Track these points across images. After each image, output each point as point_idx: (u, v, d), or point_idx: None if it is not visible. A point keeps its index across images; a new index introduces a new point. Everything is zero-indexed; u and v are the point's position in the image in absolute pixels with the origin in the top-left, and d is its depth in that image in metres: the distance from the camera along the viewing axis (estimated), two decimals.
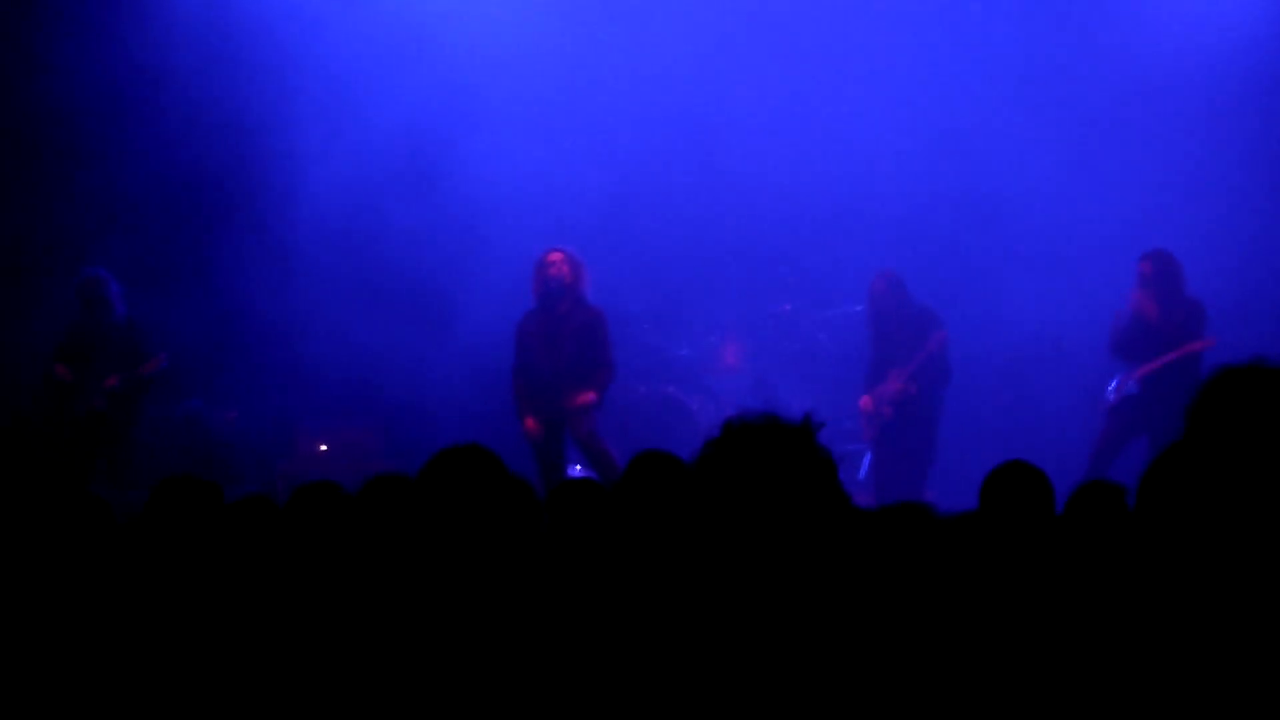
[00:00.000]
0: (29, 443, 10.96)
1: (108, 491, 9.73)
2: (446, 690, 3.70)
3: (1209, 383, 3.52)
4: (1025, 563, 4.10)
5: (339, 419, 12.97)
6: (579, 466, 11.28)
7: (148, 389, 11.62)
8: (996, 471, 5.58)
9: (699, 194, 13.32)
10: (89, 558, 5.12)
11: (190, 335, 12.23)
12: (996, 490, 5.48)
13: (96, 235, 12.63)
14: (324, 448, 12.80)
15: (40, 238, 12.90)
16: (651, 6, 13.18)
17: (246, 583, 4.74)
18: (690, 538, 3.13)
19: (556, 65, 12.99)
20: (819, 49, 13.09)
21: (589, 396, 10.69)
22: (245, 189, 13.18)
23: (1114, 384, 11.09)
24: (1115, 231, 12.25)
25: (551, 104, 13.08)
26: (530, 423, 10.83)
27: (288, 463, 12.55)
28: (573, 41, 13.01)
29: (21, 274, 12.75)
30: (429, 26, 13.03)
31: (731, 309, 13.59)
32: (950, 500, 7.83)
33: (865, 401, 11.62)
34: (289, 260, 13.05)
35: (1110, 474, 10.74)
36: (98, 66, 12.77)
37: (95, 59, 12.78)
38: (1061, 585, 3.86)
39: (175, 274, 12.88)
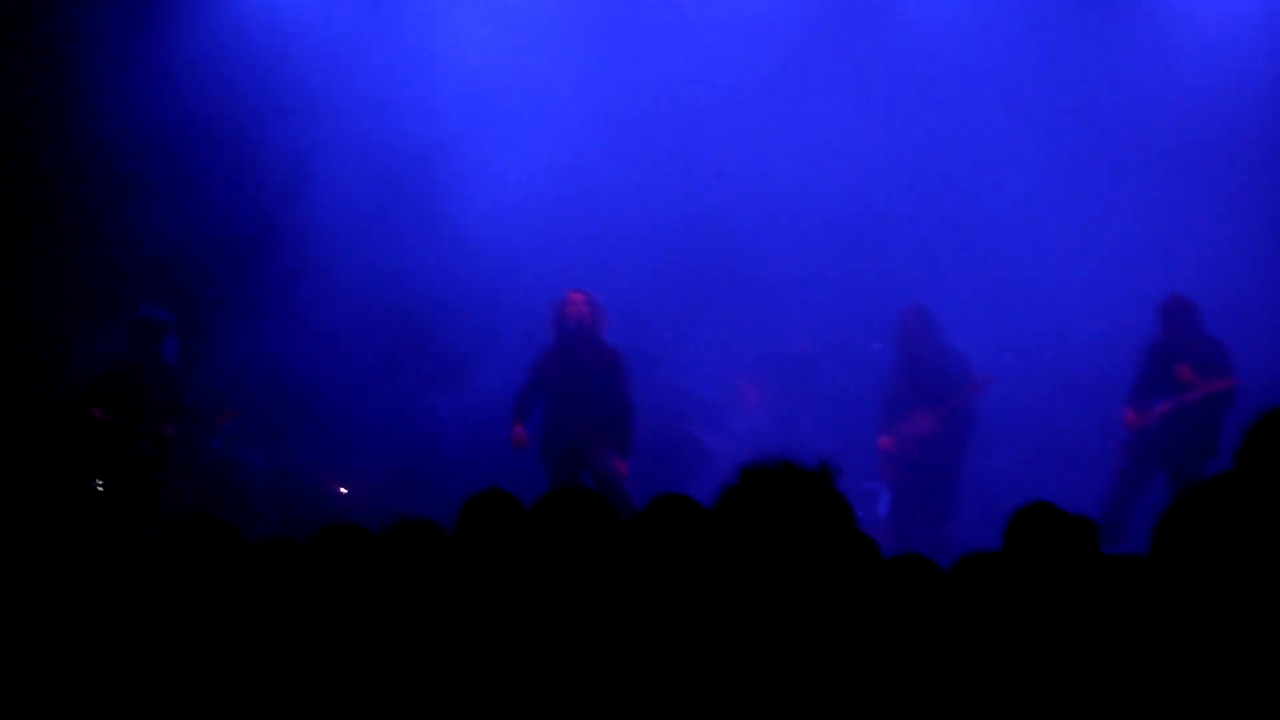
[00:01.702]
0: (61, 477, 10.99)
1: (139, 532, 9.74)
2: None
3: (1259, 423, 3.50)
4: (1051, 605, 4.09)
5: (360, 461, 12.98)
6: None
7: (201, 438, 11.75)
8: (1021, 512, 5.55)
9: (720, 234, 13.34)
10: (108, 595, 5.13)
11: (219, 375, 12.31)
12: (1021, 531, 5.45)
13: (145, 273, 12.73)
14: (344, 490, 12.81)
15: (89, 274, 12.97)
16: (676, 54, 13.24)
17: (265, 625, 4.74)
18: (708, 583, 3.13)
19: (577, 100, 13.06)
20: (841, 93, 13.13)
21: (622, 467, 10.81)
22: (285, 233, 13.24)
23: (1152, 413, 11.00)
24: (1126, 262, 12.26)
25: (580, 140, 13.12)
26: (518, 431, 10.83)
27: (309, 504, 12.55)
28: (591, 76, 13.08)
29: (70, 310, 12.81)
30: (456, 60, 13.11)
31: (753, 349, 13.59)
32: (970, 539, 7.83)
33: (886, 442, 11.55)
34: (319, 303, 13.09)
35: (1130, 512, 10.76)
36: (151, 108, 12.90)
37: (148, 100, 12.90)
38: (1084, 626, 3.85)
39: (214, 313, 12.94)
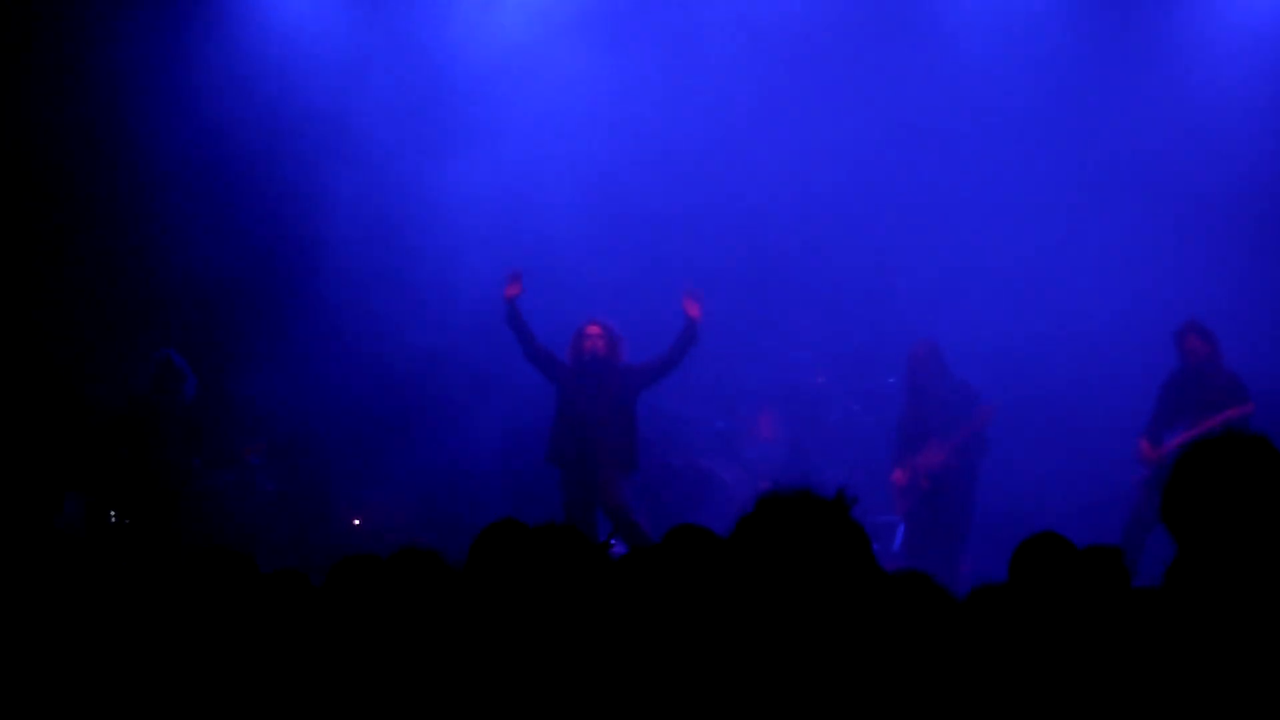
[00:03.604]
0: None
1: (161, 564, 9.86)
2: None
3: (1178, 461, 3.54)
4: (1054, 636, 4.08)
5: (374, 491, 13.00)
6: (614, 543, 11.31)
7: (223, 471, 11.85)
8: (1026, 544, 5.55)
9: (734, 264, 13.34)
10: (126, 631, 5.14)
11: (240, 406, 12.37)
12: (1026, 563, 5.45)
13: (169, 296, 12.81)
14: (358, 522, 12.82)
15: (112, 305, 13.05)
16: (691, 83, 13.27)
17: (272, 656, 4.75)
18: (726, 613, 3.13)
19: (592, 132, 13.10)
20: (867, 129, 13.14)
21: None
22: (306, 258, 13.30)
23: (1169, 444, 10.99)
24: (1149, 289, 12.26)
25: (596, 158, 13.16)
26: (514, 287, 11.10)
27: (323, 535, 12.57)
28: (608, 88, 13.14)
29: (94, 340, 12.87)
30: (472, 66, 13.18)
31: (766, 381, 13.58)
32: (984, 571, 7.81)
33: (898, 476, 11.55)
34: (339, 329, 13.14)
35: (1144, 542, 10.72)
36: (178, 137, 12.98)
37: (175, 132, 12.99)
38: (1086, 660, 3.85)
39: (235, 341, 13.00)
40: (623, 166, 13.01)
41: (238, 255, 13.07)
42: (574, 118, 13.19)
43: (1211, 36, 13.02)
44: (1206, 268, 12.22)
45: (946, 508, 11.37)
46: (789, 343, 13.58)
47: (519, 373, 12.44)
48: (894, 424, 11.83)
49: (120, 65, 12.89)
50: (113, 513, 11.29)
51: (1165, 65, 13.03)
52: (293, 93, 13.05)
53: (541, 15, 13.26)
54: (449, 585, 4.66)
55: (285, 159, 13.13)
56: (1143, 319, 11.85)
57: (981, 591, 4.12)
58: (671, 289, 12.49)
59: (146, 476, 11.35)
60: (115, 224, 13.13)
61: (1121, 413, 11.58)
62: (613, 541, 11.28)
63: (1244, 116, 12.72)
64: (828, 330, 13.55)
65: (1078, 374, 12.57)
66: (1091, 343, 12.61)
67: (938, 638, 3.71)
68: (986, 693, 3.64)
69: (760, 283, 13.39)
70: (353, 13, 13.46)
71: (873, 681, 3.09)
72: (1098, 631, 3.90)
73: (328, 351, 13.10)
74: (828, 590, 3.11)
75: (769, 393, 13.60)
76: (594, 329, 11.11)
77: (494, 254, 12.86)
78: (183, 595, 5.28)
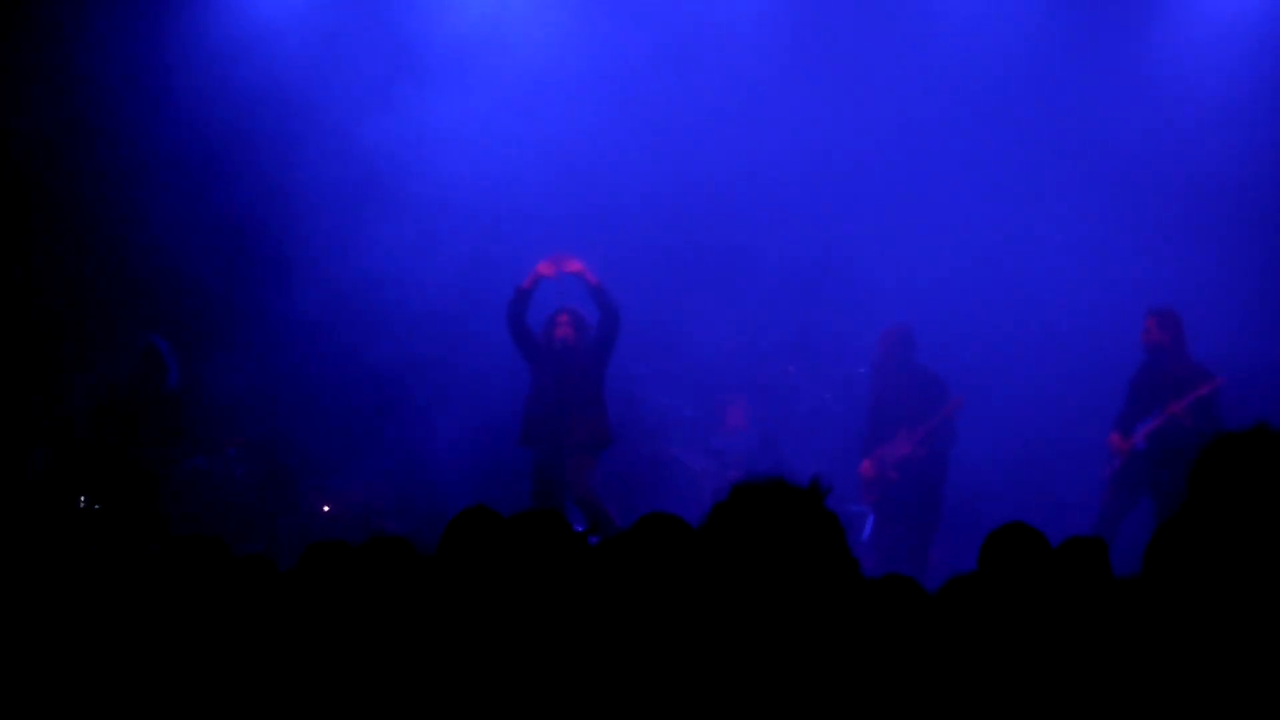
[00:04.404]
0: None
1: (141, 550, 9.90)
2: None
3: (1209, 449, 3.53)
4: (1023, 626, 4.09)
5: (343, 478, 12.97)
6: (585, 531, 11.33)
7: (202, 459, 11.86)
8: (995, 534, 5.56)
9: (703, 251, 13.34)
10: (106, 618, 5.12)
11: (219, 394, 12.36)
12: (995, 553, 5.46)
13: (147, 285, 12.80)
14: (328, 508, 12.78)
15: (92, 296, 12.99)
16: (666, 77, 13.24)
17: (244, 640, 4.74)
18: (698, 602, 3.12)
19: (575, 129, 13.09)
20: (837, 119, 13.13)
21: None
22: (280, 244, 13.25)
23: (1139, 432, 11.02)
24: (1120, 279, 12.30)
25: (570, 163, 13.13)
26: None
27: (291, 521, 12.53)
28: (588, 107, 13.11)
29: (73, 331, 12.82)
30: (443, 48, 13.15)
31: (736, 370, 13.58)
32: (957, 560, 7.83)
33: (867, 466, 11.56)
34: (312, 315, 13.09)
35: (1117, 533, 10.76)
36: (153, 129, 12.93)
37: (151, 121, 12.93)
38: (1057, 650, 3.86)
39: (212, 328, 12.97)
40: (594, 150, 12.98)
41: (211, 243, 13.01)
42: (545, 96, 13.15)
43: (1184, 27, 13.05)
44: (1179, 256, 12.26)
45: (915, 498, 11.39)
46: (759, 331, 13.57)
47: (488, 362, 12.44)
48: (864, 413, 11.85)
49: (91, 56, 12.81)
50: (83, 498, 11.24)
51: (1137, 55, 13.06)
52: (267, 81, 12.97)
53: None
54: (419, 572, 4.65)
55: (259, 147, 13.06)
56: (1116, 308, 11.87)
57: (954, 583, 4.13)
58: (640, 277, 12.52)
59: (126, 462, 11.30)
60: (90, 214, 13.05)
61: (1093, 402, 11.62)
62: (579, 528, 11.34)
63: (1216, 106, 12.76)
64: (799, 318, 13.55)
65: (1050, 363, 12.59)
66: (1063, 332, 12.64)
67: (911, 628, 3.72)
68: (960, 682, 3.64)
69: (730, 270, 13.36)
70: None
71: (847, 672, 3.08)
72: (1075, 622, 3.90)
73: (301, 339, 13.05)
74: (802, 580, 3.10)
75: (739, 381, 13.60)
76: (564, 317, 11.20)
77: (467, 238, 12.86)
78: (156, 580, 5.27)
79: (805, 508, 3.14)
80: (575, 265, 11.09)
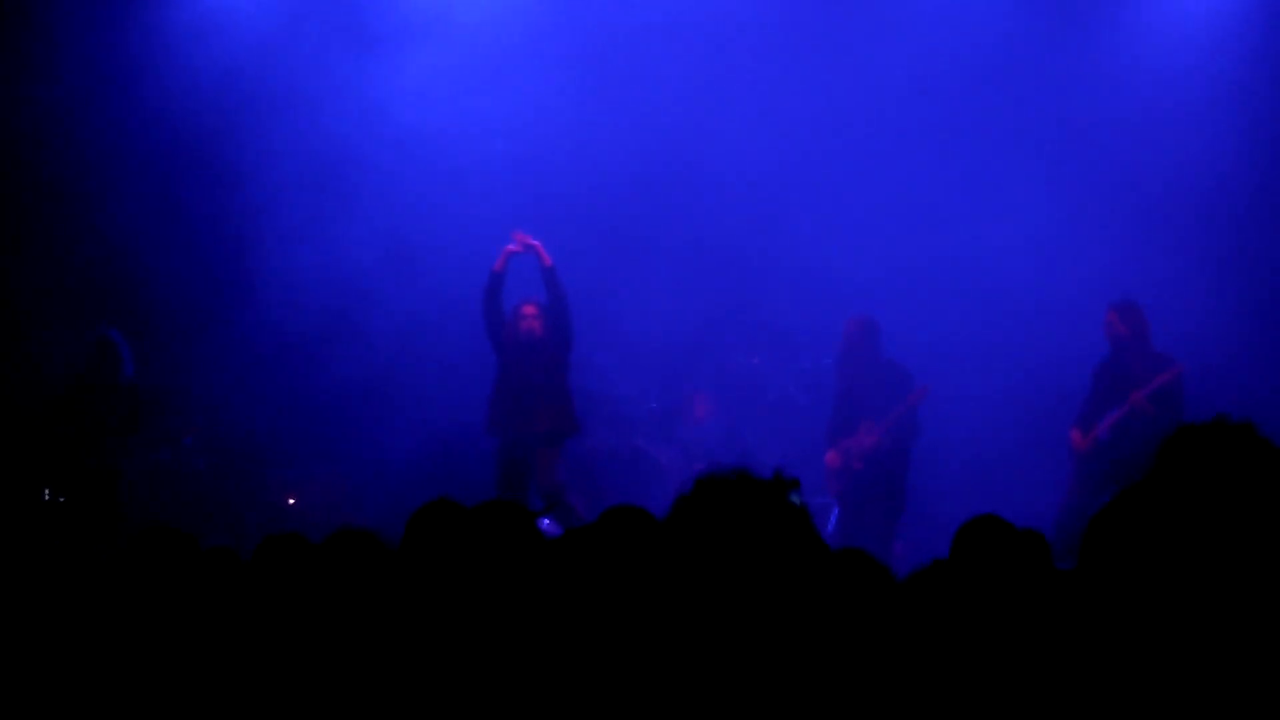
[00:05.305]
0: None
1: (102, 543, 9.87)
2: None
3: (1167, 441, 3.55)
4: (996, 615, 4.10)
5: (308, 470, 12.94)
6: (545, 520, 11.33)
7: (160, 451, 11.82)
8: (968, 525, 5.56)
9: (667, 241, 13.33)
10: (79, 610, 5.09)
11: (177, 386, 12.31)
12: (967, 544, 5.46)
13: (103, 279, 12.73)
14: (292, 501, 12.75)
15: (51, 286, 12.92)
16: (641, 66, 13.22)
17: (212, 633, 4.72)
18: (663, 595, 3.12)
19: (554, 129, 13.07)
20: (803, 109, 13.14)
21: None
22: (242, 238, 13.21)
23: (1102, 424, 11.04)
24: (1094, 282, 12.32)
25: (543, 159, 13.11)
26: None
27: (256, 514, 12.50)
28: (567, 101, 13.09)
29: (32, 322, 12.75)
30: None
31: (701, 361, 13.58)
32: (920, 552, 7.83)
33: (831, 457, 11.56)
34: (275, 310, 13.05)
35: (1079, 529, 10.75)
36: (115, 121, 12.87)
37: (111, 113, 12.87)
38: (1030, 636, 3.86)
39: (170, 321, 12.90)
40: (560, 142, 12.98)
41: (171, 235, 12.95)
42: (511, 85, 13.12)
43: (1152, 24, 13.09)
44: (1145, 250, 12.31)
45: (879, 489, 11.39)
46: (724, 322, 13.58)
47: (454, 352, 12.43)
48: (829, 404, 11.85)
49: (50, 48, 12.76)
50: (47, 491, 11.18)
51: (1106, 51, 13.10)
52: (234, 73, 12.93)
53: None
54: (385, 564, 4.64)
55: (222, 138, 13.02)
56: (1082, 301, 11.89)
57: (921, 572, 4.13)
58: (603, 267, 12.53)
59: (84, 455, 11.24)
60: (49, 207, 12.98)
61: (1059, 394, 11.64)
62: (543, 519, 11.34)
63: (1184, 102, 12.81)
64: (764, 310, 13.56)
65: (1016, 355, 12.62)
66: (1030, 323, 12.67)
67: (879, 618, 3.72)
68: (928, 671, 3.64)
69: (695, 261, 13.36)
70: None
71: (813, 662, 3.08)
72: (1036, 611, 3.92)
73: (263, 331, 13.01)
74: (766, 572, 3.09)
75: (704, 373, 13.61)
76: (530, 309, 11.21)
77: (438, 231, 12.83)
78: (124, 572, 5.24)
79: (770, 500, 3.14)
80: (534, 242, 11.14)
